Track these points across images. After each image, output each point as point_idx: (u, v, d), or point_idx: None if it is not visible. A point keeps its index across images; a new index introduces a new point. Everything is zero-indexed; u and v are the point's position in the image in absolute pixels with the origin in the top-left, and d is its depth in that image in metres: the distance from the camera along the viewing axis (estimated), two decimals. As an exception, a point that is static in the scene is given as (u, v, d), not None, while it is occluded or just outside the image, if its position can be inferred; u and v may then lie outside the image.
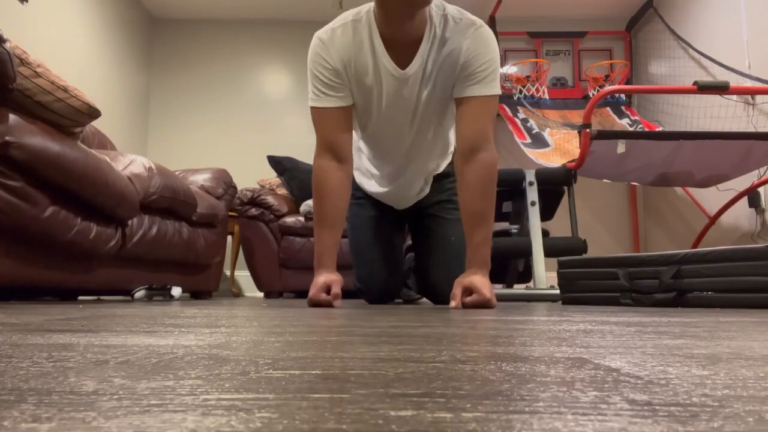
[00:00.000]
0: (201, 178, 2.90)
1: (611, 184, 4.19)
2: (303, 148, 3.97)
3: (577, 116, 3.89)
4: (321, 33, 1.48)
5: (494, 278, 2.82)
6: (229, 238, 3.66)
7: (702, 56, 3.46)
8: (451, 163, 1.87)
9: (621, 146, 2.37)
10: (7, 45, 1.37)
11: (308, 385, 0.28)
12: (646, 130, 3.55)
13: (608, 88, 2.69)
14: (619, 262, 1.63)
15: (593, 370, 0.34)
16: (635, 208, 4.29)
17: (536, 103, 4.02)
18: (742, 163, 2.51)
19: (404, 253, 2.09)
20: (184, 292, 2.35)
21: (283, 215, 3.19)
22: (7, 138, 1.39)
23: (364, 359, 0.38)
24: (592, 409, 0.23)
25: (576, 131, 2.60)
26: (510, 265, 2.74)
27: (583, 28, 4.44)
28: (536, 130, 3.63)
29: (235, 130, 4.38)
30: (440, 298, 1.82)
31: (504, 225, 2.86)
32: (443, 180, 1.86)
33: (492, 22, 4.18)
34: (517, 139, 3.55)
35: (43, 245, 1.60)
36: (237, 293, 3.96)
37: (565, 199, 2.64)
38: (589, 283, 1.71)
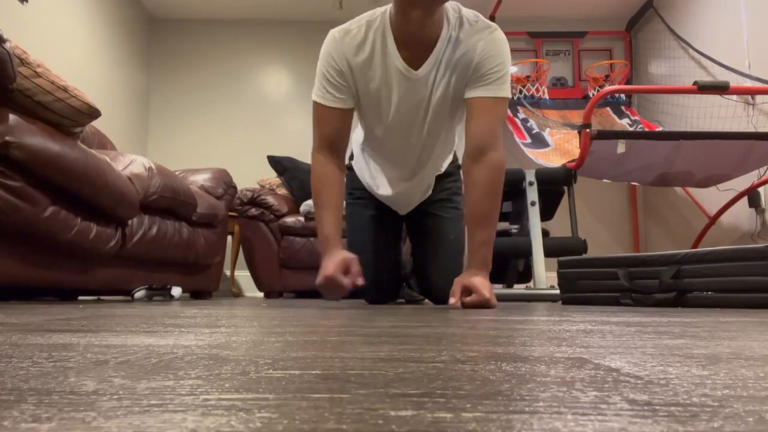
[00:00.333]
0: (201, 178, 2.90)
1: (611, 184, 4.19)
2: (303, 148, 3.95)
3: (577, 116, 3.89)
4: (336, 30, 1.48)
5: (494, 278, 2.82)
6: (229, 238, 3.66)
7: (702, 56, 3.46)
8: (452, 163, 1.87)
9: (621, 146, 2.37)
10: (7, 45, 1.37)
11: (308, 385, 0.28)
12: (646, 130, 3.55)
13: (608, 88, 2.69)
14: (619, 262, 1.63)
15: (593, 370, 0.34)
16: (635, 208, 4.29)
17: (536, 103, 4.02)
18: (742, 163, 2.51)
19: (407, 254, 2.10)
20: (184, 292, 2.35)
21: (283, 215, 3.19)
22: (7, 138, 1.39)
23: (364, 359, 0.38)
24: (592, 409, 0.23)
25: (576, 131, 2.60)
26: (510, 265, 2.74)
27: (583, 28, 4.44)
28: (536, 130, 3.63)
29: (235, 130, 4.38)
30: (440, 297, 1.82)
31: (504, 225, 2.86)
32: (444, 179, 1.86)
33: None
34: (517, 139, 3.55)
35: (43, 245, 1.61)
36: (237, 293, 3.96)
37: (565, 199, 2.64)
38: (589, 283, 1.71)
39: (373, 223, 1.86)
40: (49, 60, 2.97)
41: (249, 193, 3.20)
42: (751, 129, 2.97)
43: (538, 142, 3.52)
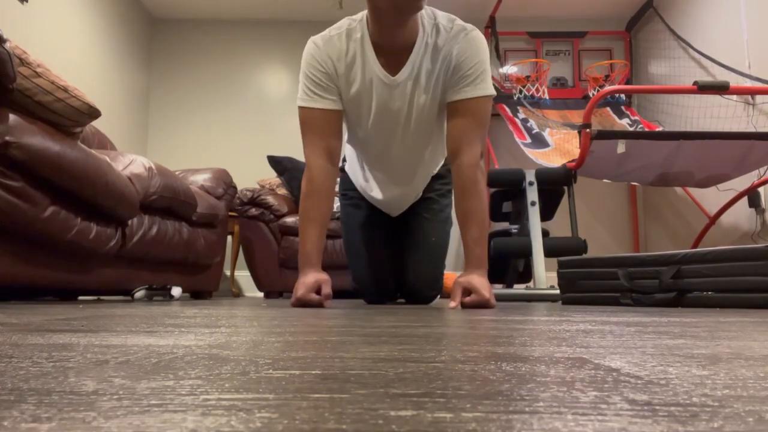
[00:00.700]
0: (201, 178, 2.90)
1: (611, 184, 4.19)
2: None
3: (577, 116, 3.89)
4: (316, 38, 1.49)
5: (494, 278, 2.82)
6: (229, 238, 3.66)
7: (702, 56, 3.46)
8: (443, 165, 1.88)
9: (621, 146, 2.37)
10: (7, 45, 1.37)
11: (308, 385, 0.28)
12: (646, 130, 3.55)
13: (608, 88, 2.69)
14: (619, 262, 1.63)
15: (593, 370, 0.34)
16: (635, 208, 4.29)
17: (536, 103, 4.02)
18: (742, 163, 2.51)
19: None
20: (184, 292, 2.35)
21: (283, 215, 3.19)
22: (7, 138, 1.39)
23: (364, 359, 0.38)
24: (592, 409, 0.23)
25: (576, 131, 2.60)
26: (510, 265, 2.74)
27: (583, 28, 4.44)
28: (536, 130, 3.63)
29: (235, 130, 4.38)
30: (416, 297, 1.83)
31: (504, 225, 2.86)
32: (434, 181, 1.87)
33: (492, 22, 4.18)
34: (517, 139, 3.55)
35: (43, 245, 1.61)
36: (237, 293, 3.96)
37: (565, 199, 2.64)
38: (589, 283, 1.71)
39: (368, 223, 1.86)
40: (49, 60, 2.97)
41: (249, 193, 3.20)
42: (751, 129, 2.97)
43: (538, 142, 3.52)
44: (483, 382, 0.29)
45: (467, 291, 1.37)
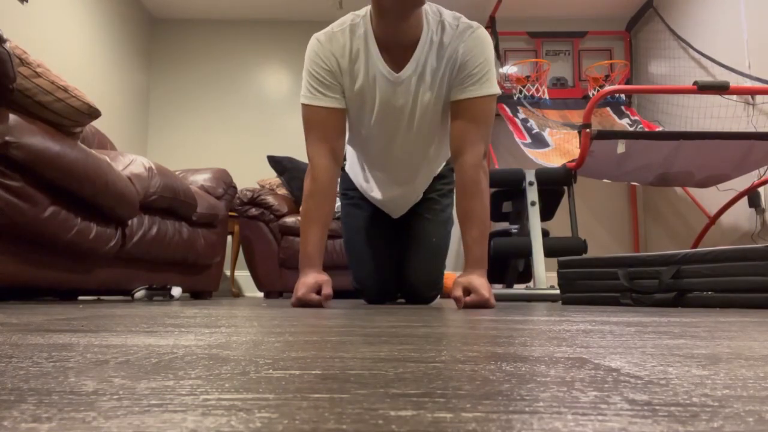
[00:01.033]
0: (201, 178, 2.90)
1: (611, 184, 4.19)
2: (303, 148, 3.94)
3: (577, 116, 3.89)
4: (319, 34, 1.48)
5: (494, 278, 2.82)
6: (229, 238, 3.66)
7: (702, 56, 3.46)
8: (445, 165, 1.87)
9: (621, 146, 2.37)
10: (7, 45, 1.37)
11: (308, 385, 0.28)
12: (646, 130, 3.55)
13: (608, 88, 2.69)
14: (619, 262, 1.63)
15: (593, 370, 0.34)
16: (635, 208, 4.29)
17: (536, 103, 4.02)
18: (742, 163, 2.51)
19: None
20: (184, 292, 2.35)
21: (283, 215, 3.19)
22: (7, 138, 1.39)
23: (364, 359, 0.38)
24: (592, 409, 0.23)
25: (576, 131, 2.60)
26: (510, 265, 2.74)
27: (583, 28, 4.44)
28: (536, 130, 3.63)
29: (235, 130, 4.38)
30: (416, 297, 1.83)
31: (504, 225, 2.87)
32: (436, 181, 1.87)
33: (492, 22, 4.18)
34: (517, 139, 3.55)
35: (43, 245, 1.60)
36: (237, 293, 3.96)
37: (565, 199, 2.64)
38: (589, 283, 1.71)
39: (369, 223, 1.86)
40: (49, 60, 2.97)
41: (249, 193, 3.20)
42: (751, 129, 2.97)
43: (538, 142, 3.52)
44: (483, 382, 0.29)
45: (467, 291, 1.37)
